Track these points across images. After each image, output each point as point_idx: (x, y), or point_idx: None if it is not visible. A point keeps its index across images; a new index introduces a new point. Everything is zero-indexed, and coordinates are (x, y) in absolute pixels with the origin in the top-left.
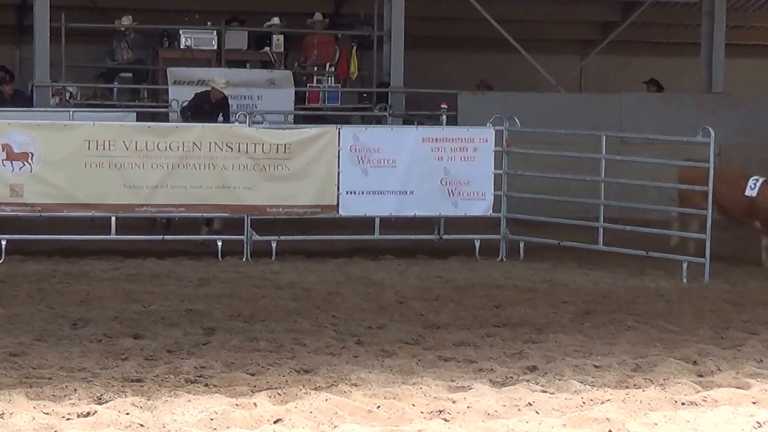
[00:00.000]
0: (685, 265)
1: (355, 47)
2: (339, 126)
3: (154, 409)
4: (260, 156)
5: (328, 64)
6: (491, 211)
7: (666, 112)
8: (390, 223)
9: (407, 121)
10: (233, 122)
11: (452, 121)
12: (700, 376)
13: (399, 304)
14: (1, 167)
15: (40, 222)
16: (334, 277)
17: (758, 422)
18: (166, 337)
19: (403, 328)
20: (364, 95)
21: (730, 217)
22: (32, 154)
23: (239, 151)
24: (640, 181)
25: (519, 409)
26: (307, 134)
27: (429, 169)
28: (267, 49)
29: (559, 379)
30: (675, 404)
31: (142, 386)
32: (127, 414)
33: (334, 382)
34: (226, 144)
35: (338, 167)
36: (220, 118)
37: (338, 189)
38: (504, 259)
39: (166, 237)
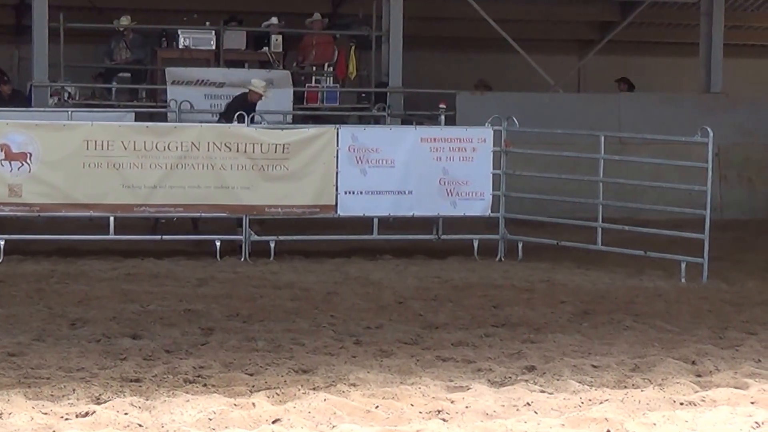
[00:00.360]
0: (683, 265)
1: (353, 47)
2: (337, 126)
3: (153, 409)
4: (259, 156)
5: (326, 64)
6: (490, 211)
7: (664, 112)
8: (388, 223)
9: (406, 121)
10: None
11: (451, 121)
12: (699, 376)
13: (397, 304)
14: (0, 167)
15: (38, 222)
16: (332, 277)
17: (757, 422)
18: (164, 337)
19: (401, 328)
20: (363, 95)
21: None
22: (31, 154)
23: (238, 151)
24: (638, 181)
25: (517, 409)
26: (305, 134)
27: (427, 169)
28: (265, 49)
29: (558, 379)
30: (673, 404)
31: (140, 386)
32: (126, 414)
33: (333, 382)
34: (225, 144)
35: (336, 167)
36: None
37: (336, 189)
38: (502, 259)
39: (165, 237)
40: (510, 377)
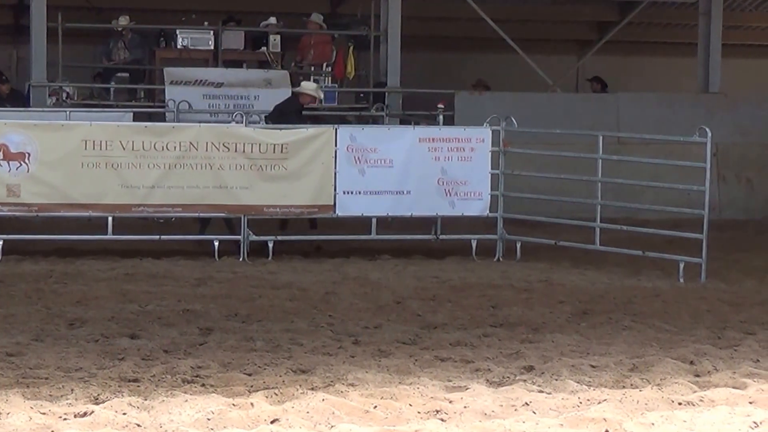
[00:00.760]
0: (681, 265)
1: (351, 47)
2: (336, 126)
3: (151, 409)
4: (257, 156)
5: (324, 64)
6: (488, 211)
7: (663, 112)
8: (387, 223)
9: (404, 121)
10: (229, 122)
11: (449, 121)
12: (697, 376)
13: (396, 304)
14: None
15: (36, 222)
16: (330, 278)
17: (755, 422)
18: (162, 337)
19: (399, 328)
20: (361, 95)
21: None
22: (29, 154)
23: (236, 151)
24: (636, 181)
25: (516, 409)
26: (303, 134)
27: (426, 169)
28: (264, 49)
29: (556, 379)
30: (672, 404)
31: (138, 386)
32: (124, 414)
33: (331, 382)
34: (223, 144)
35: (335, 167)
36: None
37: (335, 189)
38: (501, 259)
39: (163, 237)
40: (508, 377)
